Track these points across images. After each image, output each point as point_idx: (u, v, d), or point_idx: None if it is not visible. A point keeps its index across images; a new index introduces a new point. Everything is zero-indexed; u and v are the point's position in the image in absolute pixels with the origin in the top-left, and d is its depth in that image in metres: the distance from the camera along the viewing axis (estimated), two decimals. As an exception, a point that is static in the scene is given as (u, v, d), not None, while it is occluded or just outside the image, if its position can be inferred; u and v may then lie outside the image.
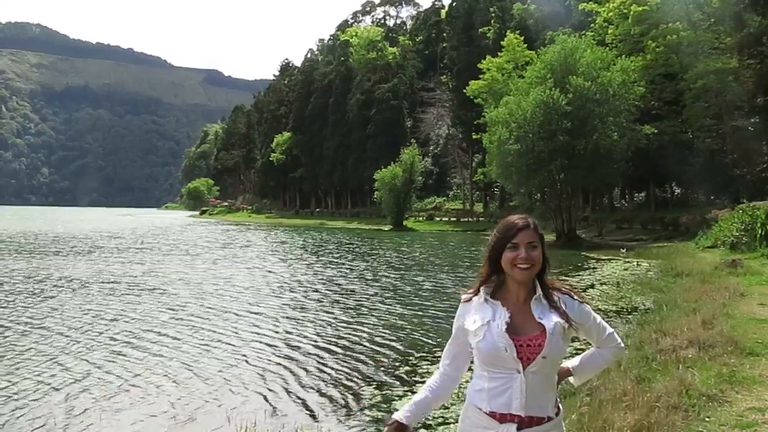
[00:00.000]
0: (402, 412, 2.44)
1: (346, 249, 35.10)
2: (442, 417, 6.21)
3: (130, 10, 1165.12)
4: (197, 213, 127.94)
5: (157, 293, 16.13)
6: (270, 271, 22.74)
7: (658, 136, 35.94)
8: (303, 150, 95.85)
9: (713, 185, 37.41)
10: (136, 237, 44.53)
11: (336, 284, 18.83)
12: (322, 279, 20.31)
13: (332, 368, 8.57)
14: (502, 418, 2.29)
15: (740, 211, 23.43)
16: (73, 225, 65.48)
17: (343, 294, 16.62)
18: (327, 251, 33.47)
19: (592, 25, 44.90)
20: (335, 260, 27.64)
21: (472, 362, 2.47)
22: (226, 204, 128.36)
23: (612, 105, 33.77)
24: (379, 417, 6.40)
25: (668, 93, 38.76)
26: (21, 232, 46.72)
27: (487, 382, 2.35)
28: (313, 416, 6.57)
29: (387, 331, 11.10)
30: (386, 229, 61.88)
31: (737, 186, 34.60)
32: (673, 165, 37.42)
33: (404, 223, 64.02)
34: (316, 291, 17.38)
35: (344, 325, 11.93)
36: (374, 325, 11.81)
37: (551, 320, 2.32)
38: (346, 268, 23.74)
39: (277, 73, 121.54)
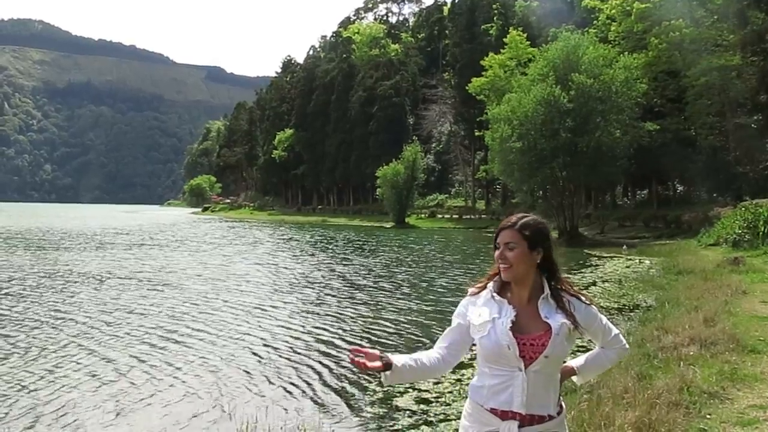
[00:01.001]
0: (398, 357, 2.40)
1: (354, 246, 35.14)
2: (444, 414, 6.22)
3: (132, 6, 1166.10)
4: (199, 210, 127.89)
5: (174, 289, 16.20)
6: (283, 267, 22.83)
7: (660, 133, 35.85)
8: (305, 147, 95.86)
9: (716, 183, 37.33)
10: (144, 233, 44.62)
11: (347, 280, 18.91)
12: (333, 275, 20.38)
13: (336, 364, 8.57)
14: (504, 416, 2.31)
15: (743, 209, 23.42)
16: (79, 222, 65.60)
17: (354, 290, 16.66)
18: (335, 248, 33.49)
19: (594, 22, 44.91)
20: (345, 257, 27.70)
21: (474, 359, 2.48)
22: (228, 201, 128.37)
23: (614, 102, 33.70)
24: (382, 414, 6.41)
25: (671, 90, 38.69)
26: (30, 229, 46.86)
27: (488, 379, 2.36)
28: (316, 412, 6.58)
29: (393, 327, 11.14)
30: (388, 226, 61.88)
31: (740, 183, 34.52)
32: (675, 162, 37.38)
33: (406, 220, 64.02)
34: (329, 287, 17.42)
35: (353, 320, 11.96)
36: (381, 320, 11.82)
37: (558, 320, 2.34)
38: (356, 265, 23.83)
39: (280, 70, 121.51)
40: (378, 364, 2.35)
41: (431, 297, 15.21)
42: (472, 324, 2.42)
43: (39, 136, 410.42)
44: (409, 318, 12.13)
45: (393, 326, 11.22)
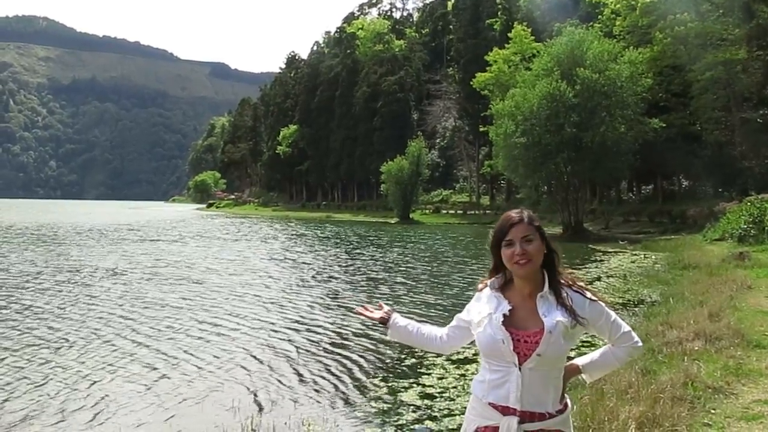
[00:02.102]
0: (400, 318, 2.70)
1: (365, 241, 35.11)
2: (448, 408, 6.23)
3: (136, 3, 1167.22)
4: (204, 206, 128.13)
5: (194, 284, 16.42)
6: (300, 262, 22.97)
7: (665, 128, 35.73)
8: (309, 143, 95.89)
9: (721, 177, 37.19)
10: (153, 229, 45.06)
11: (364, 274, 19.04)
12: (350, 269, 20.47)
13: (342, 358, 8.59)
14: (504, 411, 2.31)
15: (748, 204, 23.32)
16: (88, 218, 66.25)
17: (372, 284, 16.76)
18: (347, 243, 33.35)
19: (599, 16, 44.75)
20: (358, 251, 27.77)
21: (478, 354, 2.49)
22: (232, 197, 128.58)
23: (619, 97, 33.60)
24: (386, 408, 6.42)
25: (676, 85, 38.53)
26: (42, 225, 47.47)
27: (488, 373, 2.38)
28: (320, 406, 6.59)
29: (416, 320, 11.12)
30: (392, 221, 61.86)
31: (745, 178, 34.36)
32: (680, 157, 37.27)
33: (411, 215, 63.99)
34: (346, 281, 17.47)
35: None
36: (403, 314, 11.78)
37: (554, 318, 2.31)
38: (370, 259, 23.94)
39: (284, 66, 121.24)
40: (377, 315, 2.68)
41: (449, 291, 15.24)
42: (472, 321, 2.45)
43: (44, 133, 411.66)
44: (430, 312, 12.14)
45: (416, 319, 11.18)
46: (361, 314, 2.70)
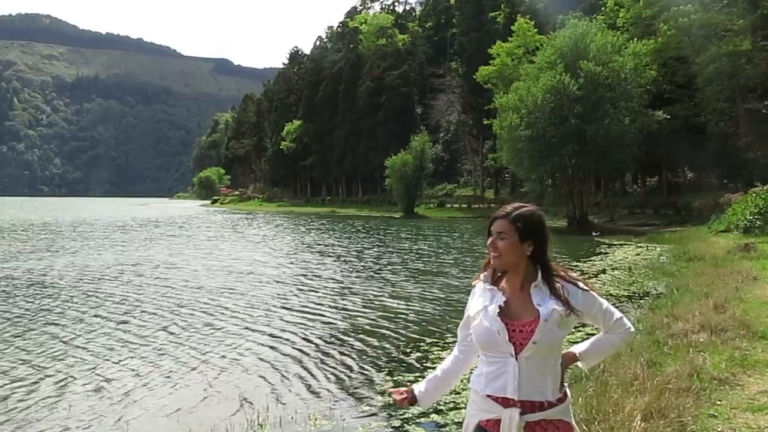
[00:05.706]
0: (419, 385, 2.65)
1: (396, 236, 35.04)
2: (453, 402, 6.24)
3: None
4: (209, 202, 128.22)
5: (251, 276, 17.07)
6: (340, 256, 23.21)
7: (670, 120, 35.61)
8: (313, 138, 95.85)
9: (726, 169, 37.03)
10: (179, 225, 46.27)
11: (413, 267, 19.23)
12: (397, 260, 20.80)
13: (350, 353, 8.59)
14: (504, 402, 2.33)
15: (753, 195, 23.32)
16: (106, 214, 67.45)
17: (427, 276, 16.85)
18: (376, 238, 33.20)
19: (602, 8, 44.52)
20: (395, 244, 28.22)
21: None
22: (237, 193, 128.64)
23: (623, 89, 33.50)
24: (391, 403, 6.43)
25: (680, 76, 38.30)
26: (63, 221, 48.99)
27: (486, 366, 2.41)
28: (326, 401, 6.61)
29: (421, 314, 11.22)
30: (397, 216, 61.82)
31: (750, 170, 34.21)
32: (685, 149, 37.08)
33: (415, 210, 63.97)
34: (398, 273, 17.60)
35: (386, 308, 12.10)
36: (414, 308, 11.87)
37: (548, 307, 2.35)
38: (402, 250, 24.30)
39: (287, 62, 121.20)
40: (402, 397, 2.62)
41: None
42: (470, 316, 2.49)
43: (48, 131, 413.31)
44: (424, 305, 12.19)
45: (405, 314, 11.26)
46: (394, 400, 2.67)
